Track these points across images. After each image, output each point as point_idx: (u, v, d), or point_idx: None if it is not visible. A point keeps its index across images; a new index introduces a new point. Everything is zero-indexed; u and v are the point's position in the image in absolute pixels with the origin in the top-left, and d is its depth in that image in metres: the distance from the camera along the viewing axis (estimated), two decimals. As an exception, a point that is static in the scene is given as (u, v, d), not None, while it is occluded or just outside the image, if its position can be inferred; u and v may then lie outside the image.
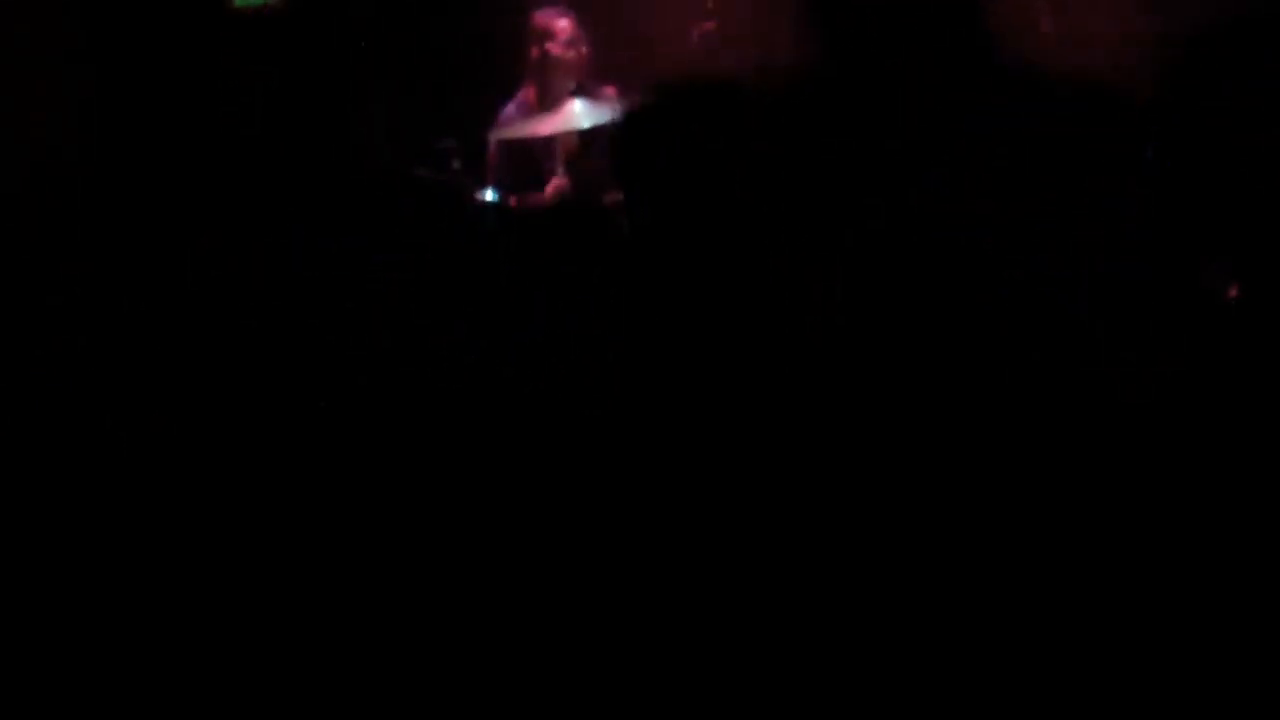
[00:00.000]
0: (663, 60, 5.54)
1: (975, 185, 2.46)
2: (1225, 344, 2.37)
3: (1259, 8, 2.37)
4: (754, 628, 2.30)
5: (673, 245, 2.50)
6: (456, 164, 5.13)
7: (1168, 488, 2.28)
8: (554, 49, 5.55)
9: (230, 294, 3.11)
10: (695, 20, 5.69)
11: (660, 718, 2.31)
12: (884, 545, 2.30)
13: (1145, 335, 2.39)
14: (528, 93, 5.62)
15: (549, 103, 5.49)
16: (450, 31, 5.95)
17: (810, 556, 2.31)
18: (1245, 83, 2.34)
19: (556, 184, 5.54)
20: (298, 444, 2.71)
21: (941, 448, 2.34)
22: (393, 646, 2.43)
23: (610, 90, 5.48)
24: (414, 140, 5.17)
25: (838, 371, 2.40)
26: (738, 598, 2.31)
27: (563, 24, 5.60)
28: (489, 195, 5.23)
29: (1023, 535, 2.29)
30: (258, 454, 2.72)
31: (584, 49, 5.60)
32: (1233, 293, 2.38)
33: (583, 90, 5.38)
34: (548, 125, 5.41)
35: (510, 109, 5.62)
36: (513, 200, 5.40)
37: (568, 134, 5.46)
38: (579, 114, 5.31)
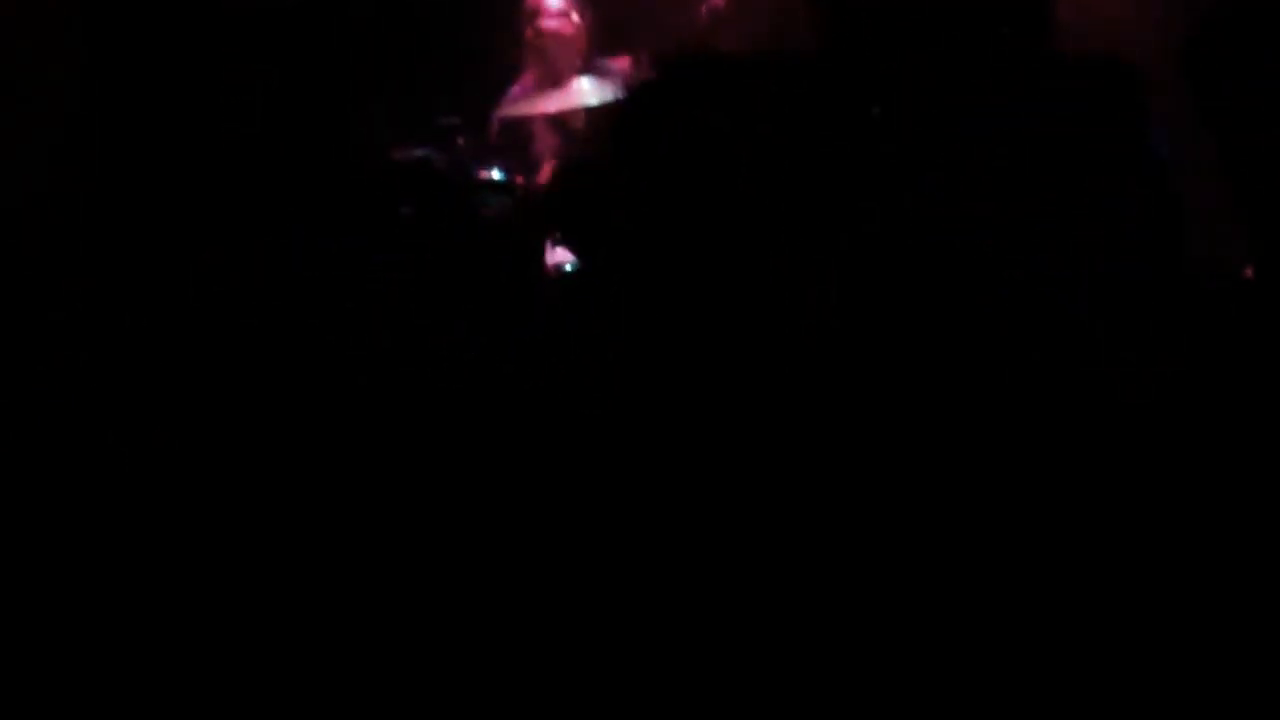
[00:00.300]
0: (669, 34, 5.52)
1: (974, 184, 2.45)
2: (1225, 344, 2.36)
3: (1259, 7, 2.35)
4: (754, 628, 2.30)
5: (669, 234, 2.49)
6: (460, 141, 5.11)
7: (1168, 488, 2.27)
8: (545, 24, 5.53)
9: (230, 294, 3.11)
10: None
11: (660, 718, 2.31)
12: (883, 545, 2.30)
13: (1145, 335, 2.38)
14: (530, 72, 5.60)
15: (554, 80, 5.46)
16: (453, 9, 5.93)
17: (810, 556, 2.31)
18: (1245, 82, 2.33)
19: (563, 163, 5.52)
20: (298, 444, 2.71)
21: (940, 448, 2.33)
22: (393, 646, 2.44)
23: (623, 63, 5.45)
24: (416, 120, 5.15)
25: (836, 371, 2.39)
26: (737, 598, 2.31)
27: None
28: (495, 174, 5.21)
29: (1022, 536, 2.28)
30: (258, 454, 2.72)
31: (578, 20, 5.56)
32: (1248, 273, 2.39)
33: (592, 67, 5.36)
34: (554, 103, 5.40)
35: (516, 89, 5.61)
36: (519, 179, 5.38)
37: (574, 111, 5.44)
38: (585, 91, 5.29)
